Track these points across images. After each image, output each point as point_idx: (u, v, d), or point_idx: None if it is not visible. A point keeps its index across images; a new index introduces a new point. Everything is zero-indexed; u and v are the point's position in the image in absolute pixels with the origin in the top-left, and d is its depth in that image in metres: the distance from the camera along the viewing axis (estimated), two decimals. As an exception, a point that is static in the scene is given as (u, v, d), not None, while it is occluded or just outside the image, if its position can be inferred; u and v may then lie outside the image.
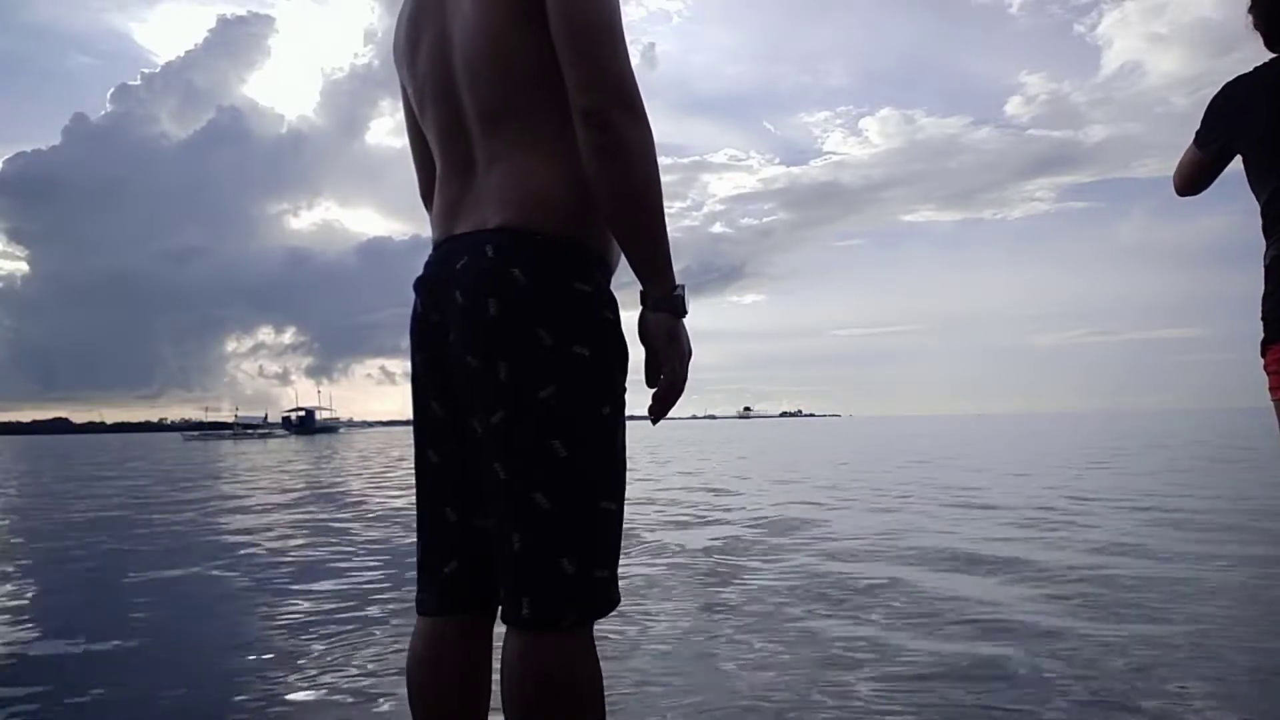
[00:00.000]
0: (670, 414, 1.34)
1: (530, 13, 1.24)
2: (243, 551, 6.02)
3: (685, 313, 1.30)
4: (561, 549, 1.22)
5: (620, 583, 1.29)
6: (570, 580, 1.22)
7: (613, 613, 1.27)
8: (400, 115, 1.55)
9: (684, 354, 1.30)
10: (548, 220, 1.26)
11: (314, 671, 2.99)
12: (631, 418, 1.41)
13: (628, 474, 1.33)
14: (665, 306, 1.28)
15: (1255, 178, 1.98)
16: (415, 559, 1.44)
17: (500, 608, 1.28)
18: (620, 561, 1.29)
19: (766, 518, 7.34)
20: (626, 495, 1.32)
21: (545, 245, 1.25)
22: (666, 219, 1.26)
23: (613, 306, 1.31)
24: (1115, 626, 3.32)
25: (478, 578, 1.36)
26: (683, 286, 1.29)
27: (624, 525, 1.30)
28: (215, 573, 5.16)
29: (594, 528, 1.24)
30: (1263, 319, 1.94)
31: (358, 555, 5.69)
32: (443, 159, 1.40)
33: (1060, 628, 3.32)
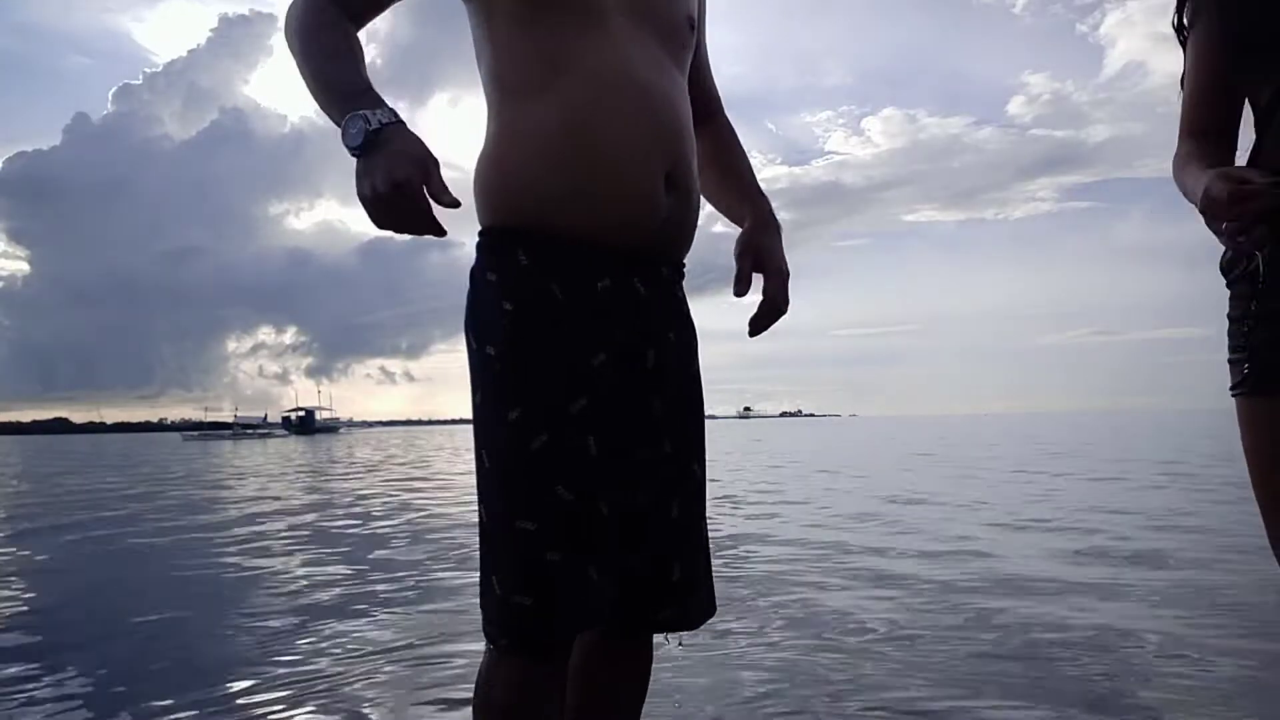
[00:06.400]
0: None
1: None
2: (240, 555, 5.93)
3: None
4: (488, 567, 1.16)
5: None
6: (490, 601, 1.15)
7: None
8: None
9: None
10: (481, 213, 1.22)
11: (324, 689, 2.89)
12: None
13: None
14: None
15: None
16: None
17: None
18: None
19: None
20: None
21: (480, 240, 1.22)
22: None
23: (517, 293, 1.15)
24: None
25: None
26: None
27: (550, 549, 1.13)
28: (215, 574, 5.06)
29: (508, 548, 1.13)
30: None
31: (357, 554, 5.60)
32: None
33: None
